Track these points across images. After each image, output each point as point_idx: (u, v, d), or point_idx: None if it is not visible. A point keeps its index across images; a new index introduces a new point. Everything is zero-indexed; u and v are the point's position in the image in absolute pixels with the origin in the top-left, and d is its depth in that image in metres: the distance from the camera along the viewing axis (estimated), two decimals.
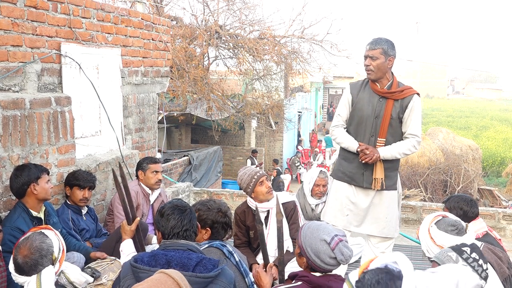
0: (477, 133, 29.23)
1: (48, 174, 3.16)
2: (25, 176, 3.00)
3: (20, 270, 2.37)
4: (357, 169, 3.55)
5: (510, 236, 6.69)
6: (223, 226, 2.73)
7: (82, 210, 3.67)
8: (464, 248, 2.24)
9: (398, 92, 3.44)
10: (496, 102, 58.72)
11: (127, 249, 2.96)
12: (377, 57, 3.37)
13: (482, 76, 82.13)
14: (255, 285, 2.68)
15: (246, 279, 2.59)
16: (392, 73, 3.51)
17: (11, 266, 2.41)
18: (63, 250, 2.53)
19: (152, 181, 4.05)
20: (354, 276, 1.68)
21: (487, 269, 2.19)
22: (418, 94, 3.51)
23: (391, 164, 3.54)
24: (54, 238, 2.49)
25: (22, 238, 2.46)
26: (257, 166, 13.53)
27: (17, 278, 2.39)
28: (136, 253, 2.89)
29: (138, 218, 3.08)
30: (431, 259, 2.40)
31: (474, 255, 2.20)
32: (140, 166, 4.10)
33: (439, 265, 2.18)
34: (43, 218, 3.12)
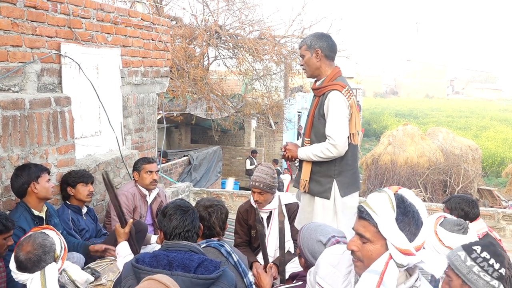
0: (476, 133, 29.22)
1: (48, 173, 3.18)
2: (25, 175, 3.01)
3: (22, 267, 2.37)
4: (298, 171, 3.43)
5: (510, 236, 6.70)
6: (204, 222, 2.68)
7: (82, 210, 3.67)
8: (475, 247, 2.07)
9: (322, 88, 3.16)
10: (495, 102, 58.73)
11: (123, 251, 2.96)
12: (304, 54, 3.25)
13: (482, 76, 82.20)
14: (253, 285, 2.67)
15: (245, 279, 2.58)
16: (333, 68, 3.21)
17: (12, 265, 2.40)
18: (65, 248, 2.55)
19: (147, 181, 4.03)
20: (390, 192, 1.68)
21: (500, 268, 2.02)
22: (338, 90, 3.07)
23: (319, 168, 3.22)
24: (56, 237, 2.51)
25: (24, 237, 2.48)
26: (256, 166, 13.52)
27: (19, 276, 2.38)
28: (132, 255, 2.90)
29: (131, 221, 3.08)
30: None
31: (484, 254, 2.04)
32: (135, 167, 4.10)
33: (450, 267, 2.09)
34: (44, 217, 3.13)
